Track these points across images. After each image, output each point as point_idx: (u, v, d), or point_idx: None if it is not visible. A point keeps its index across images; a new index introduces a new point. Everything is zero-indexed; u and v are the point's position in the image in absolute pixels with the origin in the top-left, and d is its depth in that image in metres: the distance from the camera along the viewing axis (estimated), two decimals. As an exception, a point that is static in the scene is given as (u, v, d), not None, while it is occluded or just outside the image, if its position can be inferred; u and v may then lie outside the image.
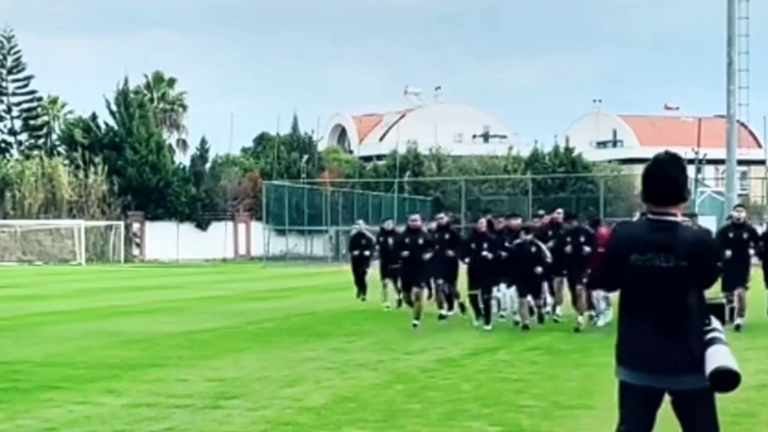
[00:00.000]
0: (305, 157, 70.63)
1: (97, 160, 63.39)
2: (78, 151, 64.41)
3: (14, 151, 71.43)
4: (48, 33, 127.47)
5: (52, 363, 13.88)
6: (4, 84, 71.63)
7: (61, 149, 68.55)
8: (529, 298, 18.17)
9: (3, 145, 71.62)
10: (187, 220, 65.07)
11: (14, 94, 72.05)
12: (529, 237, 18.36)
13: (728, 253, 17.59)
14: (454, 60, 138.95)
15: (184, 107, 79.23)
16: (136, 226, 64.70)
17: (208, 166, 71.47)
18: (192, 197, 65.27)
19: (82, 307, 22.85)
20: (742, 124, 49.74)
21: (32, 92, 72.45)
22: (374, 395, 11.13)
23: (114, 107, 66.33)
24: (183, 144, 78.80)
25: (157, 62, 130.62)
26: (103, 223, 62.26)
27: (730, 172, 46.30)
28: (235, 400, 10.86)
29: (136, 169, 64.01)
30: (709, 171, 72.39)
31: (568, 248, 18.31)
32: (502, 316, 19.26)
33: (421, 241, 18.90)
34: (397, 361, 13.81)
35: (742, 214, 19.01)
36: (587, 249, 17.56)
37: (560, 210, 21.17)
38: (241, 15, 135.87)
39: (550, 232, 19.75)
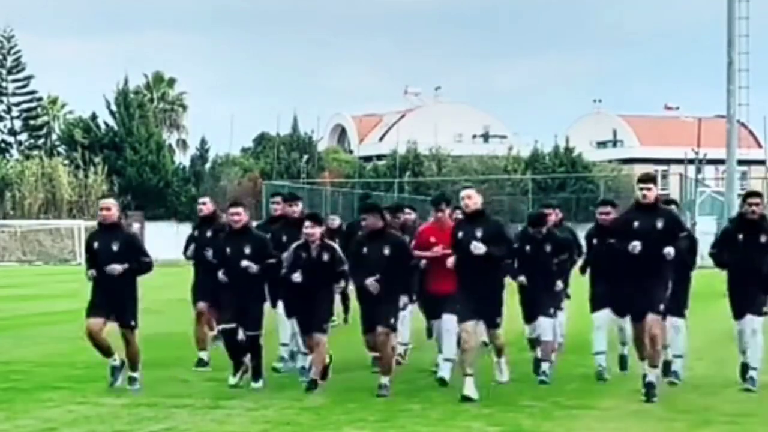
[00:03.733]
0: (305, 157, 70.61)
1: (97, 160, 63.38)
2: (78, 151, 64.41)
3: (14, 151, 71.48)
4: (48, 33, 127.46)
5: (52, 363, 13.88)
6: (4, 84, 71.66)
7: (61, 149, 68.56)
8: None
9: (3, 145, 71.63)
10: (187, 220, 64.96)
11: (14, 94, 72.09)
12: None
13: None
14: (454, 60, 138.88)
15: (184, 107, 79.28)
16: (136, 226, 64.66)
17: (208, 166, 71.46)
18: (192, 197, 65.23)
19: (82, 307, 22.73)
20: (742, 124, 49.67)
21: (32, 92, 72.50)
22: (374, 395, 11.12)
23: (114, 107, 66.32)
24: (183, 144, 78.86)
25: (157, 62, 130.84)
26: (103, 223, 62.28)
27: (730, 172, 46.23)
28: (235, 400, 10.85)
29: (136, 169, 64.01)
30: (709, 171, 72.34)
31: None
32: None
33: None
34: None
35: (759, 206, 12.08)
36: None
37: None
38: (241, 15, 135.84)
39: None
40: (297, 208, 13.15)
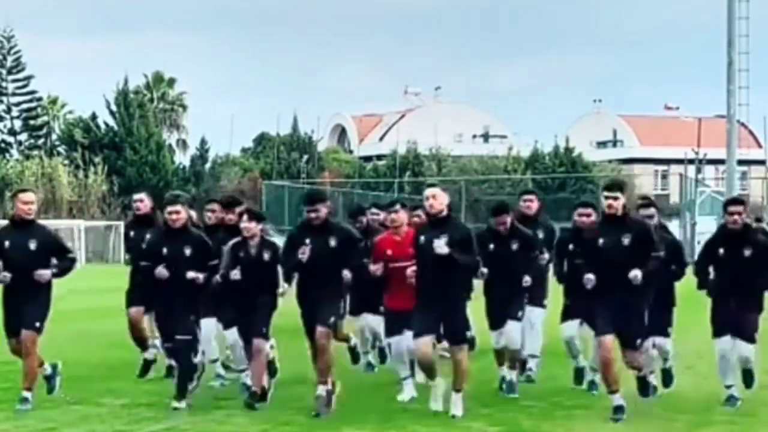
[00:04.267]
0: (305, 157, 70.61)
1: (97, 160, 63.39)
2: (78, 151, 64.41)
3: (14, 151, 71.44)
4: (48, 33, 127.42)
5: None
6: (4, 84, 71.64)
7: (61, 149, 68.56)
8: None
9: (3, 145, 71.61)
10: (186, 220, 65.07)
11: (14, 94, 72.07)
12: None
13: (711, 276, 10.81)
14: (454, 60, 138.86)
15: (184, 107, 79.26)
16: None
17: (207, 166, 71.44)
18: (192, 197, 65.25)
19: (82, 307, 22.78)
20: (742, 124, 49.74)
21: (32, 92, 72.49)
22: (374, 395, 11.12)
23: (114, 107, 66.33)
24: (183, 144, 78.85)
25: (157, 62, 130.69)
26: (103, 223, 62.20)
27: (730, 172, 46.28)
28: (235, 400, 10.84)
29: (136, 169, 64.00)
30: (709, 171, 72.31)
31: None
32: None
33: None
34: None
35: (742, 216, 10.80)
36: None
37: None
38: (241, 15, 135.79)
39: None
40: (234, 216, 11.34)
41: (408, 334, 10.29)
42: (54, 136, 71.89)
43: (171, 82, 78.64)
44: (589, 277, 9.90)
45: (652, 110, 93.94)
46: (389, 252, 10.54)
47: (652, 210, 11.10)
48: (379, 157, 77.02)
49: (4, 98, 71.74)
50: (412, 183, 67.64)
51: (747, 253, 10.59)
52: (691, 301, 12.05)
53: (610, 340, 9.90)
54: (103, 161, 63.45)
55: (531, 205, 12.38)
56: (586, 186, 65.79)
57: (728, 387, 10.84)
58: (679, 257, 11.03)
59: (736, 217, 10.72)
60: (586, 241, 10.32)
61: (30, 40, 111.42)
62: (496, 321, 11.27)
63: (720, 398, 10.88)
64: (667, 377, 11.56)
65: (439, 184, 10.72)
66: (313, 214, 10.44)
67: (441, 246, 9.77)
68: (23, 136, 72.72)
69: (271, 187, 62.27)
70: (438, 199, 10.07)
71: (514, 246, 11.19)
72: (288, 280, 10.53)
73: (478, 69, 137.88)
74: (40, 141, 72.10)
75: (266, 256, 10.46)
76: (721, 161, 58.06)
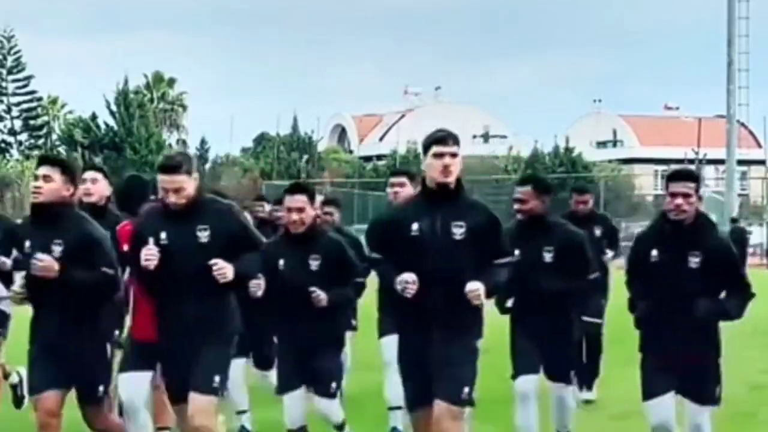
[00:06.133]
0: (305, 157, 70.65)
1: (97, 160, 63.43)
2: (78, 151, 64.46)
3: (14, 151, 71.53)
4: (48, 33, 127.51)
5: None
6: (4, 84, 71.68)
7: (61, 149, 68.58)
8: None
9: (3, 145, 71.66)
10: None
11: (14, 94, 72.13)
12: None
13: None
14: (454, 60, 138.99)
15: (184, 107, 79.27)
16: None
17: (208, 166, 71.48)
18: (192, 197, 65.38)
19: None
20: (742, 124, 49.83)
21: (32, 92, 72.56)
22: (374, 395, 11.12)
23: (114, 107, 66.38)
24: (183, 144, 78.77)
25: (157, 62, 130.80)
26: (103, 223, 62.39)
27: (730, 172, 46.36)
28: (235, 400, 10.82)
29: (136, 169, 64.01)
30: (709, 171, 72.31)
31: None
32: None
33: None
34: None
35: (690, 202, 6.78)
36: None
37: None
38: (241, 15, 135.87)
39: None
40: None
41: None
42: (54, 136, 71.93)
43: (171, 82, 78.68)
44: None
45: (652, 110, 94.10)
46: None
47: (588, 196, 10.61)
48: (379, 157, 77.04)
49: (4, 98, 71.81)
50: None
51: (695, 260, 6.79)
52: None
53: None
54: (103, 161, 63.50)
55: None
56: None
57: None
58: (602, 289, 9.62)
59: (680, 200, 6.76)
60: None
61: (30, 40, 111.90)
62: None
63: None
64: None
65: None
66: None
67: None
68: (23, 136, 72.80)
69: (271, 187, 62.26)
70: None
71: None
72: None
73: (478, 69, 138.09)
74: (40, 141, 72.14)
75: None
76: (721, 161, 58.12)
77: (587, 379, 10.83)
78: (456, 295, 6.17)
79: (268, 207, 10.51)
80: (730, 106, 44.84)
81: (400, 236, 6.37)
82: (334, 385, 7.93)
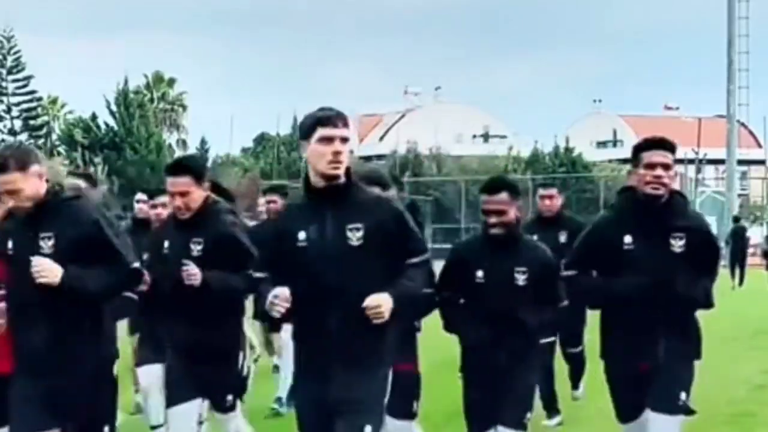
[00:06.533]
0: (305, 157, 70.68)
1: (97, 160, 63.42)
2: (78, 151, 64.46)
3: (14, 151, 71.48)
4: (48, 33, 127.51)
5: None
6: (4, 84, 71.63)
7: (61, 149, 68.58)
8: None
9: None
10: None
11: (14, 94, 72.05)
12: None
13: None
14: (454, 60, 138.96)
15: (184, 107, 79.26)
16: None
17: (207, 166, 71.47)
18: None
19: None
20: (742, 124, 49.83)
21: (32, 92, 72.47)
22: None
23: (114, 107, 66.37)
24: (183, 144, 78.81)
25: (157, 62, 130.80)
26: (103, 223, 62.39)
27: (730, 172, 46.37)
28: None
29: (136, 169, 64.04)
30: (709, 171, 72.38)
31: None
32: None
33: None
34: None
35: (669, 175, 6.05)
36: None
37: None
38: (241, 15, 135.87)
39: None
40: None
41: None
42: (54, 136, 71.91)
43: (171, 82, 78.66)
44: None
45: (652, 110, 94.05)
46: None
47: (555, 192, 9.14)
48: (379, 157, 77.02)
49: (4, 98, 71.76)
50: (412, 183, 67.69)
51: (678, 244, 5.90)
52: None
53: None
54: (103, 161, 63.49)
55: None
56: (586, 186, 65.82)
57: None
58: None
59: (661, 171, 5.92)
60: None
61: (30, 40, 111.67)
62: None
63: (720, 398, 10.87)
64: None
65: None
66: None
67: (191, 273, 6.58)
68: (23, 136, 72.65)
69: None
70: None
71: None
72: None
73: (478, 69, 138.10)
74: (40, 141, 72.08)
75: None
76: (721, 161, 58.16)
77: (554, 406, 10.06)
78: (357, 316, 4.98)
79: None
80: (730, 106, 44.91)
81: (287, 250, 5.19)
82: (230, 397, 6.89)
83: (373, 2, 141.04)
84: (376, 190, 5.54)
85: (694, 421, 9.97)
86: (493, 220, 6.38)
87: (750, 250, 38.30)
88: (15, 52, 71.91)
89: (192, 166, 6.67)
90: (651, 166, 5.90)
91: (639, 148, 6.01)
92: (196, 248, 6.48)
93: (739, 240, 34.50)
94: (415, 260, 5.23)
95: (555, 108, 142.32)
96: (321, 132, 5.10)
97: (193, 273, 6.36)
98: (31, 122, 72.70)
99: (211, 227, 6.54)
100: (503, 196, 6.35)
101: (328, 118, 5.13)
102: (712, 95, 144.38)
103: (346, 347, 5.08)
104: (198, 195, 6.54)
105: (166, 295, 6.55)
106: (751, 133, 70.71)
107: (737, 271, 32.58)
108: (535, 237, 7.24)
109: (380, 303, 4.95)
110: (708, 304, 6.03)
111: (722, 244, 45.04)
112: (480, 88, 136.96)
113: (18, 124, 72.49)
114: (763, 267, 35.12)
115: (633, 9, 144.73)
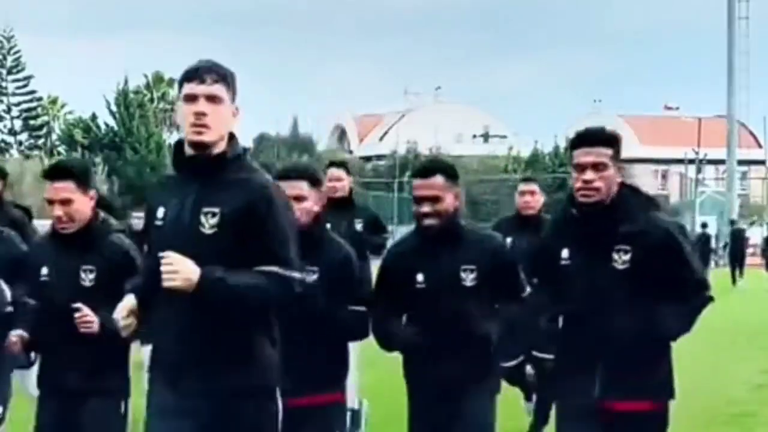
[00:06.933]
0: (305, 157, 70.65)
1: (97, 160, 63.41)
2: (78, 151, 64.47)
3: (14, 151, 71.48)
4: (48, 33, 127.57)
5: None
6: (4, 84, 71.66)
7: (61, 149, 68.58)
8: None
9: (3, 145, 71.64)
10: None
11: (14, 94, 72.10)
12: None
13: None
14: (454, 60, 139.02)
15: (184, 107, 79.32)
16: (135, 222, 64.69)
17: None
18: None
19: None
20: (742, 124, 49.82)
21: (32, 92, 72.53)
22: (374, 395, 11.11)
23: (114, 107, 66.39)
24: (183, 144, 78.89)
25: (157, 62, 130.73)
26: (103, 223, 62.37)
27: (730, 172, 46.39)
28: (235, 400, 10.78)
29: (136, 169, 64.06)
30: (709, 171, 72.40)
31: None
32: None
33: None
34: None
35: (604, 176, 4.71)
36: None
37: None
38: (240, 15, 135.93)
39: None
40: None
41: None
42: (54, 136, 71.93)
43: (171, 82, 78.63)
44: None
45: (652, 110, 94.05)
46: None
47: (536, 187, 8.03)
48: (379, 157, 77.06)
49: (4, 98, 71.79)
50: (412, 183, 67.74)
51: (623, 258, 4.77)
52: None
53: None
54: (103, 161, 63.50)
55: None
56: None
57: None
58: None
59: (590, 174, 4.81)
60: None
61: (30, 40, 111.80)
62: None
63: (720, 398, 10.87)
64: None
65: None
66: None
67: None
68: (23, 136, 72.78)
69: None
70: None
71: None
72: None
73: (478, 69, 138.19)
74: (40, 141, 72.15)
75: None
76: (721, 161, 58.20)
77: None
78: (209, 319, 3.97)
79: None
80: (730, 106, 44.87)
81: (150, 228, 4.23)
82: None
83: (373, 2, 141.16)
84: (266, 175, 4.28)
85: (695, 421, 10.00)
86: (425, 208, 5.28)
87: (749, 250, 38.60)
88: (15, 52, 72.01)
89: (75, 169, 5.42)
90: (579, 167, 4.80)
91: (570, 146, 4.88)
92: (87, 277, 5.34)
93: (738, 241, 35.02)
94: (275, 269, 3.95)
95: (555, 108, 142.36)
96: (185, 88, 4.18)
97: (88, 321, 5.27)
98: (31, 122, 72.74)
99: (105, 250, 5.36)
100: (438, 179, 5.29)
101: (195, 70, 4.24)
102: (712, 95, 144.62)
103: (195, 360, 4.03)
104: (83, 204, 5.32)
105: (44, 330, 5.49)
106: (751, 133, 70.75)
107: (737, 271, 33.17)
108: (509, 240, 6.55)
109: (178, 264, 3.84)
110: (682, 329, 4.90)
111: (722, 244, 45.10)
112: (480, 88, 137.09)
113: (18, 124, 72.55)
114: (762, 267, 35.37)
115: (633, 9, 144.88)
